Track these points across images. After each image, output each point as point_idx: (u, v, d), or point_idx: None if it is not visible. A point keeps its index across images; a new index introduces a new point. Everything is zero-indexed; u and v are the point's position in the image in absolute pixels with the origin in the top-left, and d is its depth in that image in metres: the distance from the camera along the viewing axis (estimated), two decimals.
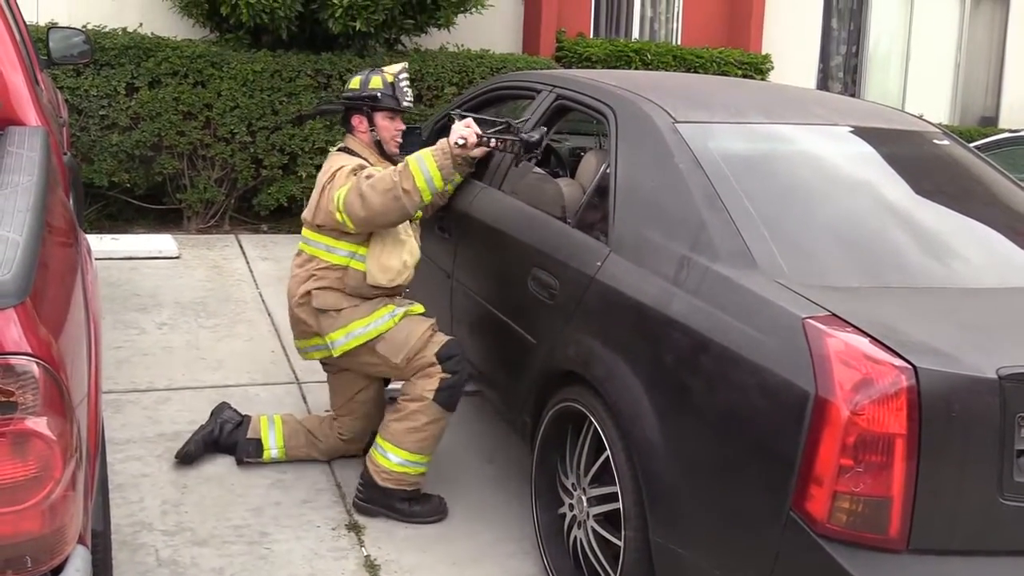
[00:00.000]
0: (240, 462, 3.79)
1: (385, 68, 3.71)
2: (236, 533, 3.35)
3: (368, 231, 3.50)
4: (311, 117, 7.26)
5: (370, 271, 3.51)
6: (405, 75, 3.69)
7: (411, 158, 3.41)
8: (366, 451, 3.74)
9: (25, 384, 1.57)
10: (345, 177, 3.47)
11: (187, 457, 3.77)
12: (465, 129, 3.44)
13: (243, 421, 3.85)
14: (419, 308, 3.63)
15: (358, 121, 3.69)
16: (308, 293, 3.55)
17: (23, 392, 1.57)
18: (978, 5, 11.80)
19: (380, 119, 3.66)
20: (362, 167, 3.52)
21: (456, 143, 3.41)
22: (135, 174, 7.16)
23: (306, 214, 3.62)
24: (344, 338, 3.52)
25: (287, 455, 3.81)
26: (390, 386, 3.88)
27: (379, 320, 3.50)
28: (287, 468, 3.81)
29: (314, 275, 3.57)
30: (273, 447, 3.80)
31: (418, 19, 7.64)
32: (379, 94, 3.63)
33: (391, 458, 3.49)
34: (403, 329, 3.50)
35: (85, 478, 1.77)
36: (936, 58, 11.70)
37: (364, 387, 3.75)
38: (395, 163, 3.67)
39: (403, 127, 3.72)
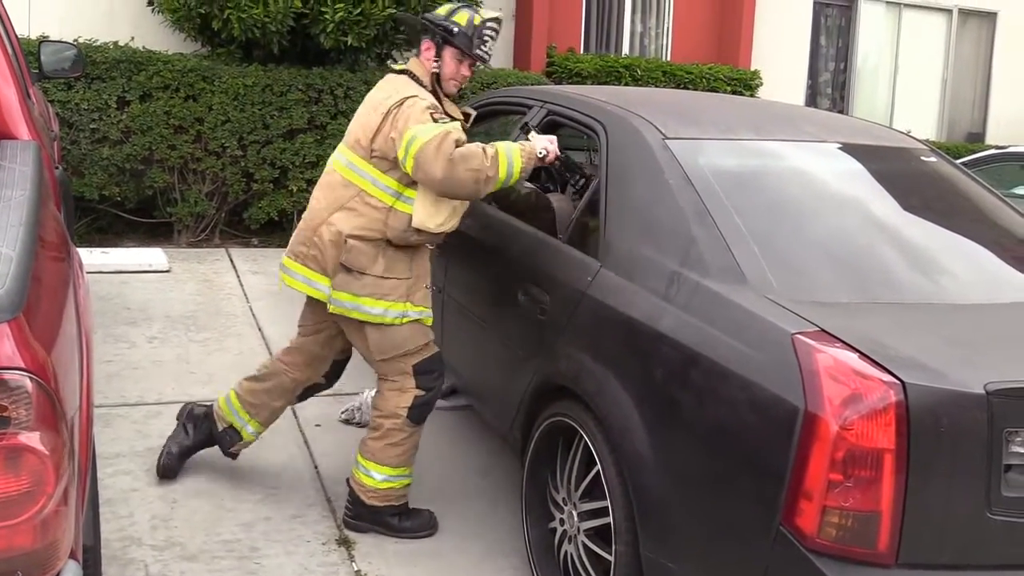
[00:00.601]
0: (232, 455, 3.74)
1: (482, 11, 3.51)
2: (226, 548, 3.34)
3: (423, 186, 3.31)
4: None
5: (417, 213, 3.33)
6: (494, 25, 3.47)
7: (501, 149, 3.28)
8: (319, 385, 3.69)
9: (18, 399, 1.58)
10: (421, 112, 3.26)
11: (167, 471, 3.72)
12: (551, 144, 3.40)
13: (209, 410, 3.75)
14: (430, 321, 3.52)
15: (427, 47, 3.50)
16: (345, 240, 3.34)
17: (16, 407, 1.57)
18: (965, 22, 11.91)
19: (448, 55, 3.45)
20: (436, 108, 3.34)
21: (539, 153, 3.37)
22: (126, 188, 7.15)
23: (360, 135, 3.37)
24: (348, 304, 3.38)
25: (255, 419, 3.69)
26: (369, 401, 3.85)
27: (389, 311, 3.37)
28: (277, 482, 3.81)
29: (355, 209, 3.36)
30: (244, 424, 3.70)
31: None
32: (456, 28, 3.41)
33: (375, 476, 3.48)
34: (402, 333, 3.42)
35: (77, 493, 1.77)
36: (923, 74, 11.80)
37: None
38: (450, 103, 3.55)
39: (468, 74, 3.53)
